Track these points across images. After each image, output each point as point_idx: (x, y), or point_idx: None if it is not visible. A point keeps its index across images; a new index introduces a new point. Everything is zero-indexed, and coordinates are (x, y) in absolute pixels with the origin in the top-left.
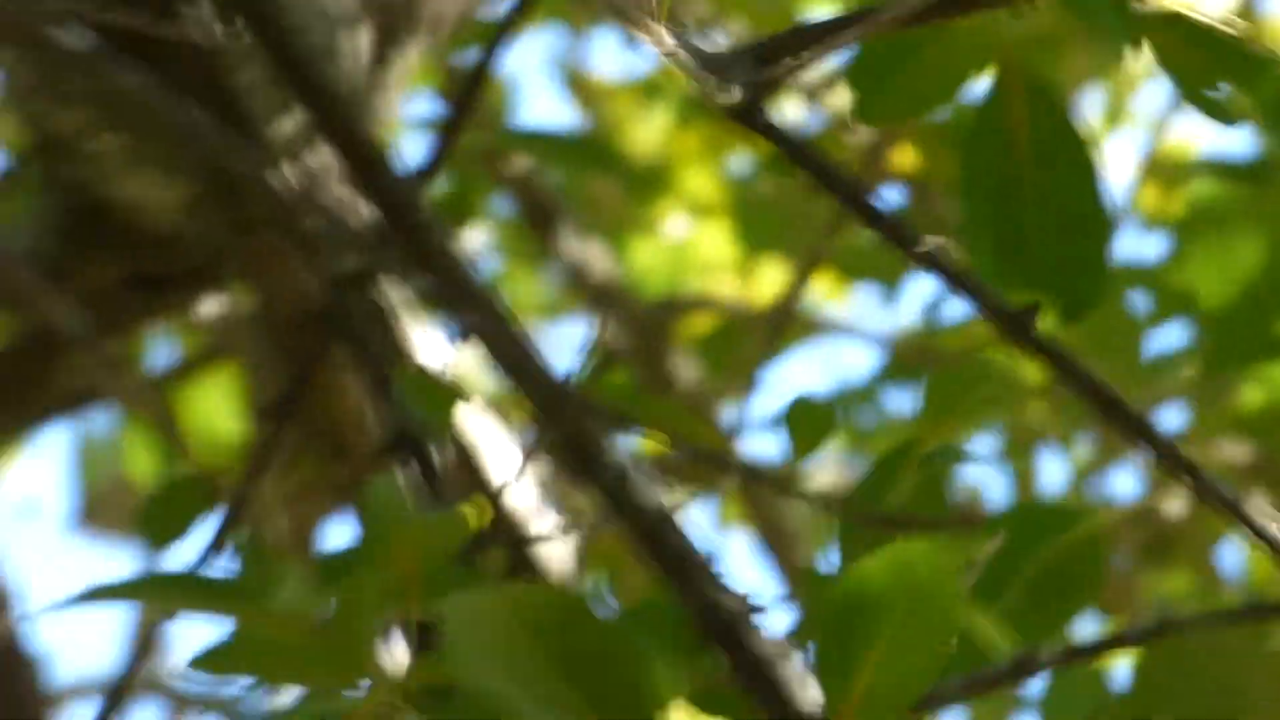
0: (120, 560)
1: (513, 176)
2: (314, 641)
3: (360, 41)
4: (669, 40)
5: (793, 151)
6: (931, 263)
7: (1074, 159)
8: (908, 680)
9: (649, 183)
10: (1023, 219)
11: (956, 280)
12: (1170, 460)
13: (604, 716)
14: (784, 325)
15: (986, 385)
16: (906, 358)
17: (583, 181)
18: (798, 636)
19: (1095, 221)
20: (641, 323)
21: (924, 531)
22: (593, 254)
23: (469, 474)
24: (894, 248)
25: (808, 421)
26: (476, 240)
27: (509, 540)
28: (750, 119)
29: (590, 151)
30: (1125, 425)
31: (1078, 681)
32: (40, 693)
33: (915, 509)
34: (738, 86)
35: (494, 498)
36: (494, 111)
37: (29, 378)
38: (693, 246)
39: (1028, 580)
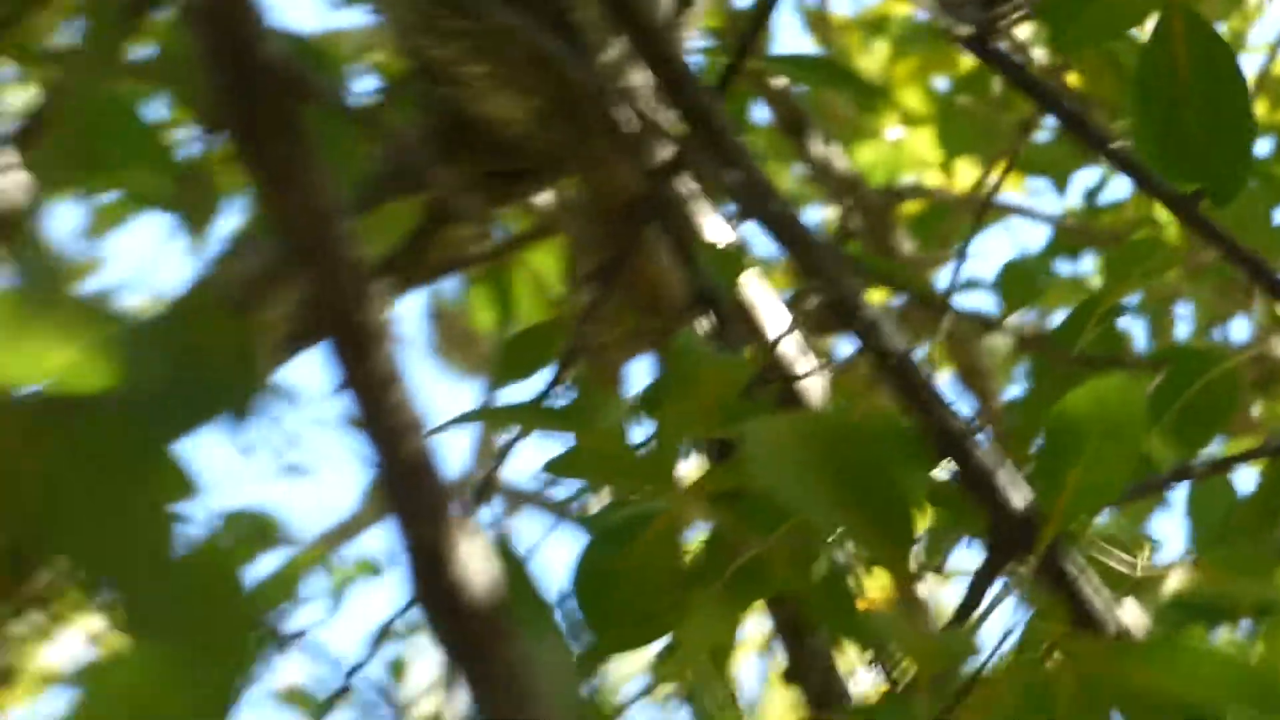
0: (465, 392)
1: (771, 92)
2: (632, 455)
3: None
4: None
5: (1008, 69)
6: (1119, 158)
7: (1226, 76)
8: (1103, 488)
9: (874, 98)
10: (1185, 123)
11: (1137, 171)
12: None
13: (867, 513)
14: (978, 209)
15: (1151, 257)
16: (1070, 235)
17: (824, 97)
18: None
19: (1243, 125)
20: (870, 207)
21: (1108, 369)
22: (832, 154)
23: (748, 326)
24: (1087, 146)
25: (1018, 282)
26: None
27: (780, 378)
28: (980, 46)
29: (831, 73)
30: (1266, 283)
31: (1214, 489)
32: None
33: (1098, 352)
34: (970, 22)
35: (769, 346)
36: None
37: (424, 248)
38: (908, 148)
39: (1179, 408)
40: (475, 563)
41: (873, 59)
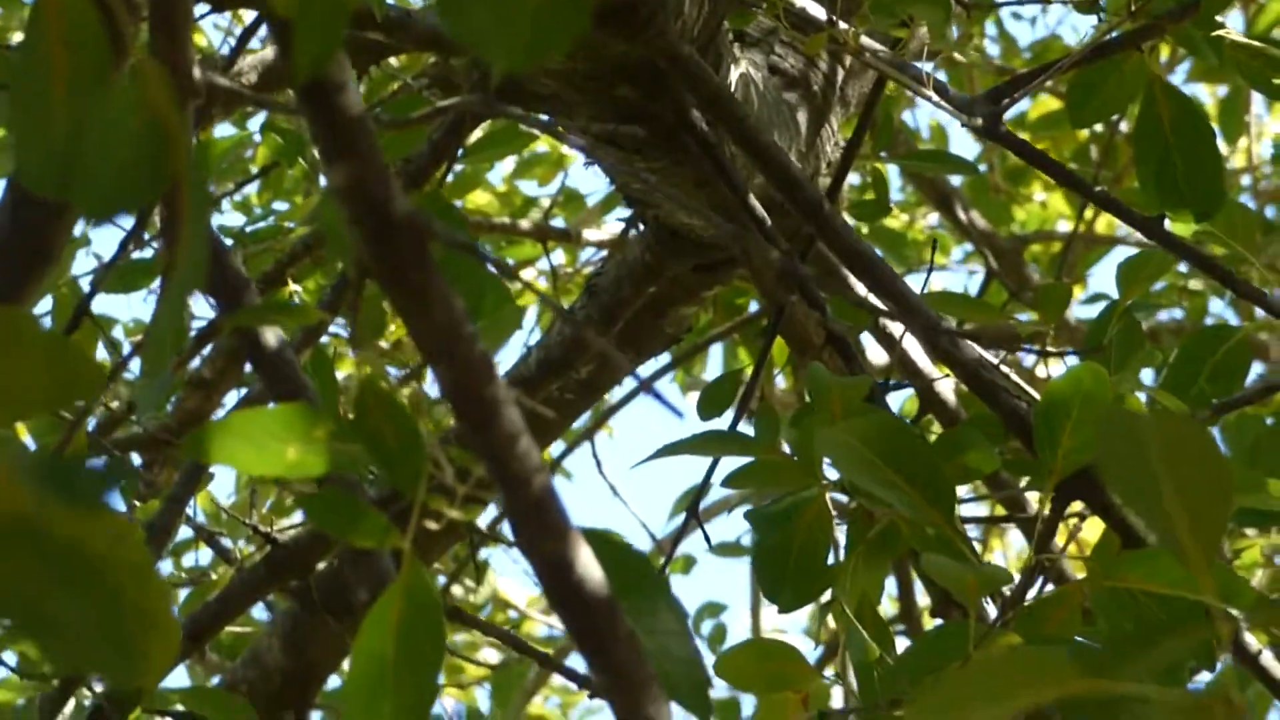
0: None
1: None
2: (790, 462)
3: (800, 120)
4: (934, 94)
5: (1013, 146)
6: (1102, 199)
7: (1200, 129)
8: (1085, 446)
9: (1016, 179)
10: (1172, 166)
11: (1117, 208)
12: (1252, 296)
13: (915, 488)
14: (1077, 241)
15: (1149, 266)
16: None
17: (986, 177)
18: None
19: (1214, 163)
20: (1003, 252)
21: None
22: (974, 216)
23: (893, 351)
24: (1079, 195)
25: (1055, 298)
26: None
27: (920, 384)
28: (990, 134)
29: (951, 162)
30: (1232, 286)
31: (1243, 422)
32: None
33: (1121, 343)
34: (980, 116)
35: (906, 364)
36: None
37: (655, 325)
38: (1051, 204)
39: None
40: (590, 568)
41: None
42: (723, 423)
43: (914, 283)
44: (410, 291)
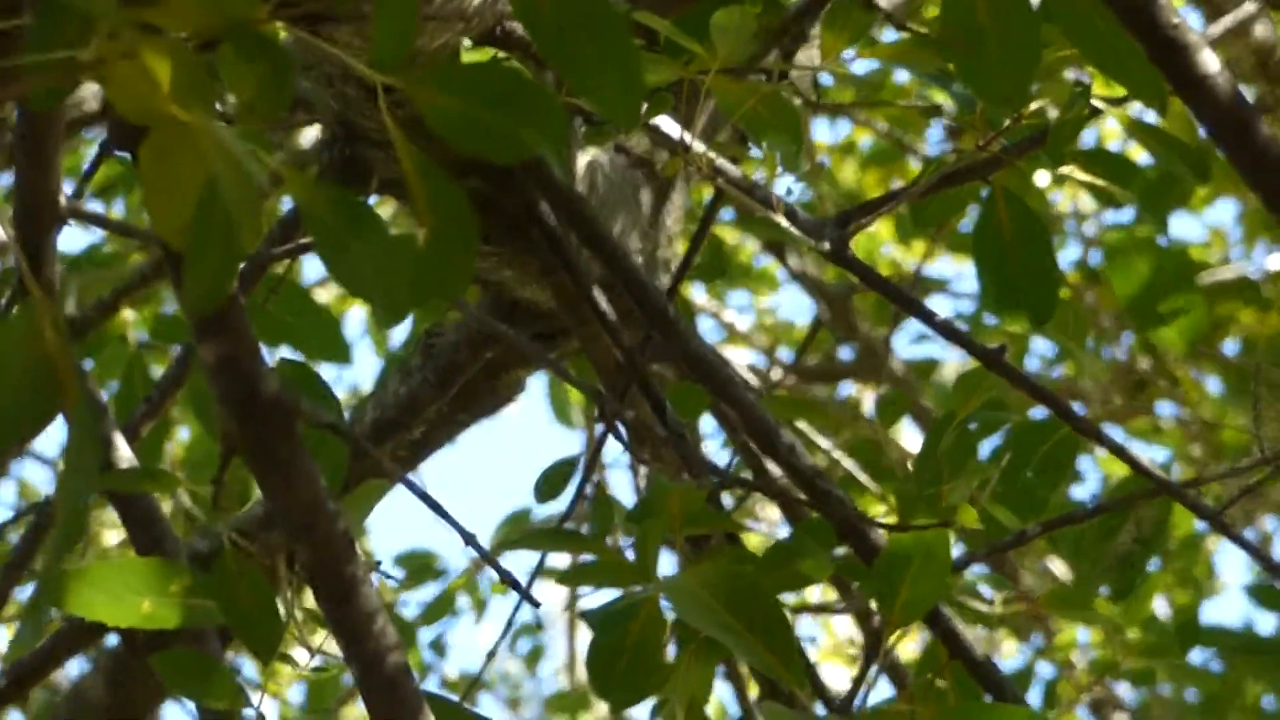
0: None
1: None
2: (624, 563)
3: (644, 200)
4: (782, 219)
5: (864, 275)
6: (939, 325)
7: (1037, 234)
8: (922, 601)
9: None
10: (1010, 269)
11: (956, 336)
12: (1088, 433)
13: (758, 635)
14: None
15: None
16: None
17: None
18: None
19: (1050, 269)
20: (832, 298)
21: None
22: (807, 264)
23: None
24: (917, 319)
25: (892, 409)
26: None
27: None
28: (837, 258)
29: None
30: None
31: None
32: None
33: (953, 456)
34: (827, 240)
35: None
36: None
37: (487, 390)
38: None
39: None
40: None
41: (848, 171)
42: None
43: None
44: (275, 468)
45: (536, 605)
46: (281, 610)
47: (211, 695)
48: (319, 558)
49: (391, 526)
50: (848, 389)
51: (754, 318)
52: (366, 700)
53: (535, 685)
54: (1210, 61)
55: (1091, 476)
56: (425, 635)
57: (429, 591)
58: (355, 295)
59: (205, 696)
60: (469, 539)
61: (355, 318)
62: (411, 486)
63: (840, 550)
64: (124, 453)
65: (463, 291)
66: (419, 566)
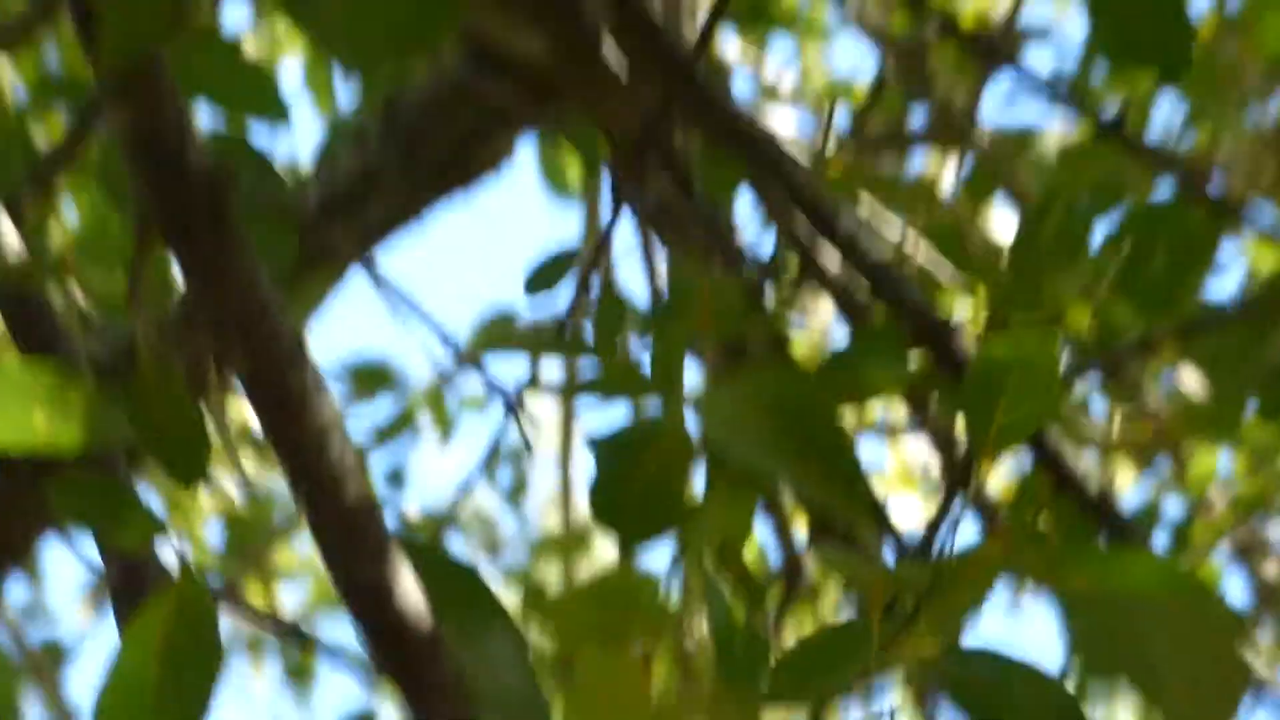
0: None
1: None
2: (639, 373)
3: None
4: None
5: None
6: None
7: None
8: (1022, 425)
9: None
10: (1131, 15)
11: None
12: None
13: (818, 466)
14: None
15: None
16: None
17: None
18: None
19: (1179, 12)
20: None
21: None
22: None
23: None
24: None
25: None
26: None
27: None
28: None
29: None
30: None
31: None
32: None
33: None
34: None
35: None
36: None
37: (469, 155)
38: None
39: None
40: (411, 597)
41: None
42: None
43: None
44: (203, 256)
45: (523, 419)
46: (210, 428)
47: (121, 528)
48: (259, 363)
49: (340, 331)
50: (921, 162)
51: (800, 73)
52: (318, 539)
53: (518, 525)
54: None
55: (1235, 268)
56: (378, 464)
57: (382, 409)
58: (320, 40)
59: (117, 534)
60: (441, 335)
61: (289, 70)
62: (371, 272)
63: (915, 358)
64: (9, 240)
65: (448, 35)
66: (370, 376)
